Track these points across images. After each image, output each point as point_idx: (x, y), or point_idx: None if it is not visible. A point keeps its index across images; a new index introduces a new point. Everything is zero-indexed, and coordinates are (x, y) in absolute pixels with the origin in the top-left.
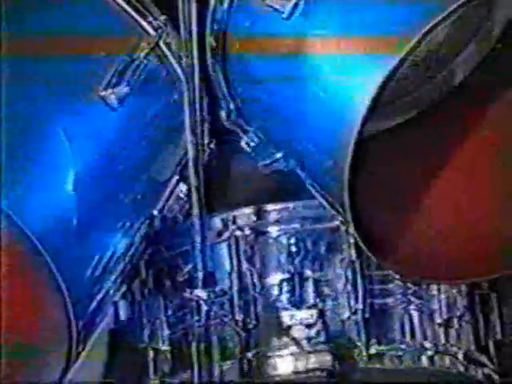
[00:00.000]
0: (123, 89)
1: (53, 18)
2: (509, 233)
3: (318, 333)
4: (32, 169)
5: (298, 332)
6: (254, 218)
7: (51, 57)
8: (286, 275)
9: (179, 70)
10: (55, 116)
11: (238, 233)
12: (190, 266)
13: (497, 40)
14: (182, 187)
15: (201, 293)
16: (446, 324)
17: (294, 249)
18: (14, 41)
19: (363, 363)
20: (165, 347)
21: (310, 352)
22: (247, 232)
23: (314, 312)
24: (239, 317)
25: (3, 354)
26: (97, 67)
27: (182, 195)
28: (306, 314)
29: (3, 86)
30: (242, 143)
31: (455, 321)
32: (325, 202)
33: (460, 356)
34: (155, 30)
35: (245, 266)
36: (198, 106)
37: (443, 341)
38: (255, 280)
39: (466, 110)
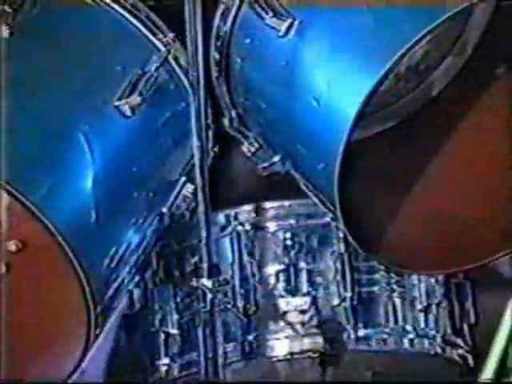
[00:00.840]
0: (136, 99)
1: (75, 35)
2: (481, 229)
3: (310, 318)
4: (56, 169)
5: (292, 317)
6: (254, 215)
7: (73, 70)
8: (282, 266)
9: (186, 82)
10: (76, 123)
11: (240, 228)
12: (196, 258)
13: (470, 56)
14: (189, 187)
15: (206, 282)
16: (425, 310)
17: (289, 242)
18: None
19: (351, 345)
20: (174, 331)
21: (303, 335)
22: (247, 227)
23: (308, 299)
24: (240, 303)
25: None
26: (112, 80)
27: (188, 194)
28: (300, 301)
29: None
30: (243, 148)
31: (433, 307)
32: (317, 201)
33: (438, 339)
34: (165, 46)
35: (245, 258)
36: (203, 114)
37: (423, 325)
38: (255, 271)
39: (442, 118)
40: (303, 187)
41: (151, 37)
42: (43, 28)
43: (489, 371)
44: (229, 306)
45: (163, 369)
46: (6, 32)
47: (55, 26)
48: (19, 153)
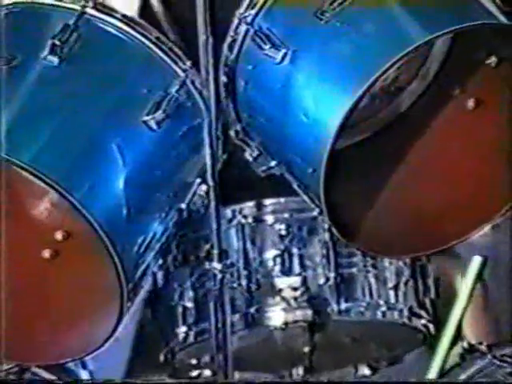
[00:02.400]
0: (160, 115)
1: (111, 63)
2: (441, 221)
3: (301, 294)
4: (95, 173)
5: (287, 293)
6: (255, 210)
7: (110, 92)
8: (278, 252)
9: (201, 102)
10: (111, 136)
11: (243, 221)
12: (208, 245)
13: (431, 80)
14: (203, 187)
15: (216, 265)
16: (395, 287)
17: (284, 232)
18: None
19: (334, 316)
20: (190, 304)
21: (295, 308)
22: (250, 220)
23: (299, 279)
24: (244, 282)
25: None
26: (141, 100)
27: (202, 193)
28: (293, 280)
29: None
30: (246, 155)
31: (402, 285)
32: (307, 198)
33: (405, 311)
34: (183, 71)
35: (248, 245)
36: (214, 127)
37: (393, 300)
38: (256, 255)
39: (409, 130)
40: (295, 187)
41: (172, 65)
42: (85, 58)
43: (447, 337)
44: (235, 285)
45: (181, 336)
46: (55, 61)
47: (94, 57)
48: (66, 158)
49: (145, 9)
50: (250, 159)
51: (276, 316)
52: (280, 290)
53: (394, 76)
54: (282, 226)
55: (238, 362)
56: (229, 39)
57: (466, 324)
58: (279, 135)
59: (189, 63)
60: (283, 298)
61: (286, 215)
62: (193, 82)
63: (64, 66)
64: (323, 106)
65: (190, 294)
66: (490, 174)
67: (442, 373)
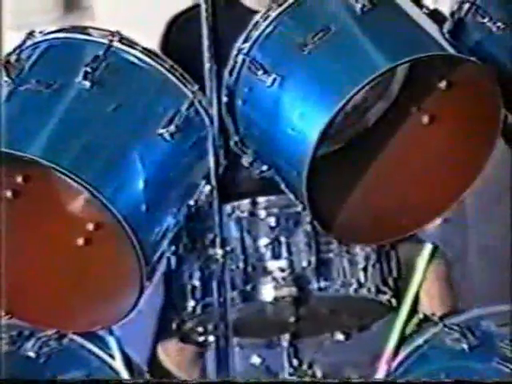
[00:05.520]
0: (173, 128)
1: (134, 86)
2: (399, 216)
3: (288, 274)
4: (120, 175)
5: (276, 274)
6: (250, 206)
7: (131, 111)
8: (270, 240)
9: (206, 118)
10: (133, 145)
11: (241, 215)
12: (212, 235)
13: (394, 100)
14: (207, 187)
15: (219, 251)
16: (365, 269)
17: (274, 224)
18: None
19: (315, 293)
20: (197, 283)
21: (283, 286)
22: (246, 214)
23: (286, 262)
24: (241, 265)
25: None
26: (157, 116)
27: (207, 192)
28: (281, 263)
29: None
30: (243, 161)
31: (370, 267)
32: (292, 196)
33: (372, 288)
34: (192, 92)
35: (245, 234)
36: (217, 138)
37: (363, 279)
38: (251, 243)
39: (375, 141)
40: (283, 187)
41: (183, 88)
42: (112, 82)
43: (405, 309)
44: (233, 267)
45: (190, 308)
46: (87, 85)
47: (120, 81)
48: (97, 164)
49: (167, 43)
50: (246, 164)
51: (267, 292)
52: (271, 271)
53: (363, 97)
54: (273, 219)
55: (236, 329)
56: (229, 67)
57: (421, 298)
58: (270, 145)
59: (196, 86)
60: (273, 278)
61: (276, 210)
62: (200, 102)
63: (95, 89)
64: (306, 121)
65: (198, 274)
66: (440, 177)
67: (402, 338)
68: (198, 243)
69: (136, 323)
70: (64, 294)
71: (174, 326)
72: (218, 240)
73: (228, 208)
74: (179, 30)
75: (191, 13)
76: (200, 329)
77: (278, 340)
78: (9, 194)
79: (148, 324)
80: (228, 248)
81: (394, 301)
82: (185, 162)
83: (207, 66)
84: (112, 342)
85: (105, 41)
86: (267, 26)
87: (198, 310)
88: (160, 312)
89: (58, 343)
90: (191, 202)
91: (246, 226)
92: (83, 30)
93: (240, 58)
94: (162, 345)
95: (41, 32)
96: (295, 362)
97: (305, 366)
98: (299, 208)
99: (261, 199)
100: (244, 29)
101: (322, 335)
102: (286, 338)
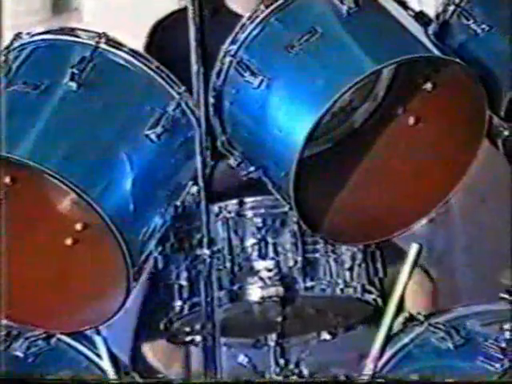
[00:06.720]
0: (160, 129)
1: (121, 88)
2: (386, 217)
3: (275, 274)
4: (108, 176)
5: (263, 274)
6: (237, 206)
7: (119, 111)
8: (256, 240)
9: (193, 119)
10: (121, 146)
11: (228, 215)
12: (199, 235)
13: (379, 102)
14: (194, 188)
15: (206, 251)
16: (351, 269)
17: (260, 225)
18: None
19: (301, 292)
20: (184, 283)
21: (270, 285)
22: (233, 215)
23: (273, 262)
24: (228, 265)
25: None
26: (144, 117)
27: (194, 192)
28: (268, 263)
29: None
30: (231, 161)
31: (356, 267)
32: (279, 197)
33: (358, 288)
34: (178, 94)
35: (232, 235)
36: (204, 139)
37: (349, 279)
38: (238, 243)
39: (361, 142)
40: (270, 188)
41: (169, 89)
42: (99, 83)
43: (391, 308)
44: (221, 267)
45: (177, 308)
46: (74, 86)
47: (106, 82)
48: (84, 165)
49: (151, 45)
50: (234, 165)
51: (254, 292)
52: (257, 271)
53: (349, 98)
54: (259, 220)
55: (223, 329)
56: (216, 68)
57: (407, 298)
58: (257, 146)
59: (183, 88)
60: (260, 278)
61: (263, 210)
62: (186, 103)
63: (82, 90)
64: (293, 122)
65: (185, 274)
66: (426, 178)
67: (388, 337)
68: (185, 243)
69: (123, 323)
70: (51, 295)
71: (161, 325)
72: (205, 240)
73: (215, 208)
74: (164, 33)
75: (176, 15)
76: (187, 328)
77: (264, 339)
78: None
79: (131, 322)
80: (215, 248)
81: (379, 300)
82: (172, 163)
83: (194, 67)
84: (99, 341)
85: (92, 42)
86: (254, 28)
87: (186, 310)
88: (141, 308)
89: (46, 343)
90: (178, 203)
91: (233, 227)
92: (70, 31)
93: (227, 59)
94: (148, 342)
95: (28, 33)
96: (282, 362)
97: (291, 366)
98: (286, 208)
99: (248, 200)
100: (230, 33)
101: (308, 334)
102: (272, 338)
